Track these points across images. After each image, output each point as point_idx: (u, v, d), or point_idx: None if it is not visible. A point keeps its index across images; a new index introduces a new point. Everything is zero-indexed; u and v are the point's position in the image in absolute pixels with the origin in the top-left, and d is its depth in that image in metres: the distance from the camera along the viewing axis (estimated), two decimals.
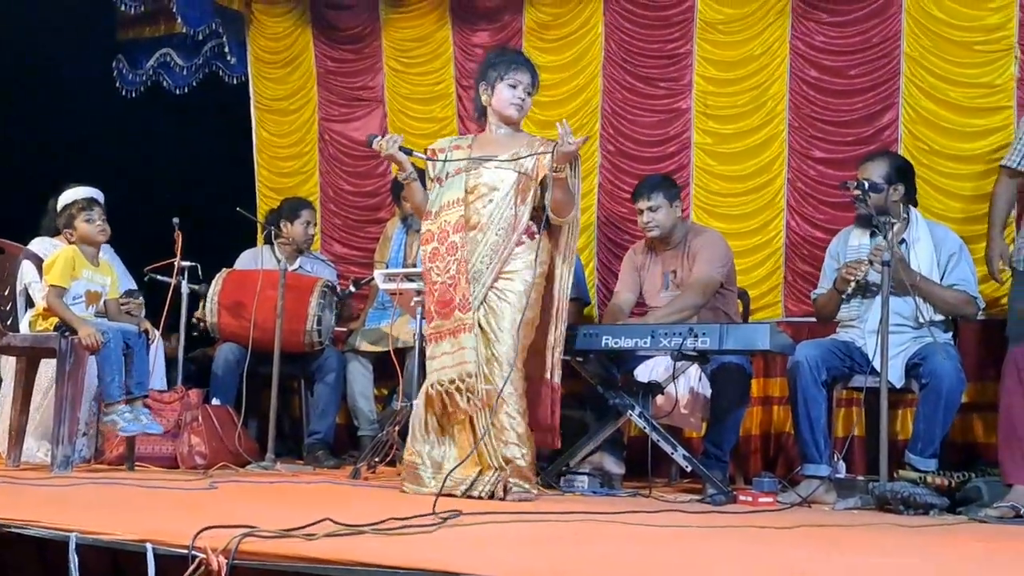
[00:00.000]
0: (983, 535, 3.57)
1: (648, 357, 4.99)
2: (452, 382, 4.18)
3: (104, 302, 5.07)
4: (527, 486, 4.16)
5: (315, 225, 6.42)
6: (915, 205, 4.93)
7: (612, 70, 6.35)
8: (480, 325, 4.22)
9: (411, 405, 5.17)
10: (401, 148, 4.38)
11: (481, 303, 4.24)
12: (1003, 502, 3.95)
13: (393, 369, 5.43)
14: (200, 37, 7.38)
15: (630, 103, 6.31)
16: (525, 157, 4.36)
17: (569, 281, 4.48)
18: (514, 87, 4.42)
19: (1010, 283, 4.84)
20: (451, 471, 4.12)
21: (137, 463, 5.13)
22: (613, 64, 6.35)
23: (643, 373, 5.00)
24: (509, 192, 4.32)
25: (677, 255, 5.28)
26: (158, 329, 5.39)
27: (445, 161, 4.43)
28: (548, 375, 4.43)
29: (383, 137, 4.47)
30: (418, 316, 5.13)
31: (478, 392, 4.15)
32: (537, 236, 4.34)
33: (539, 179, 4.33)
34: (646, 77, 6.28)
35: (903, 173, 4.86)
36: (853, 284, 4.73)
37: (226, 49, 7.45)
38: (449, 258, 4.28)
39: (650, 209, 5.23)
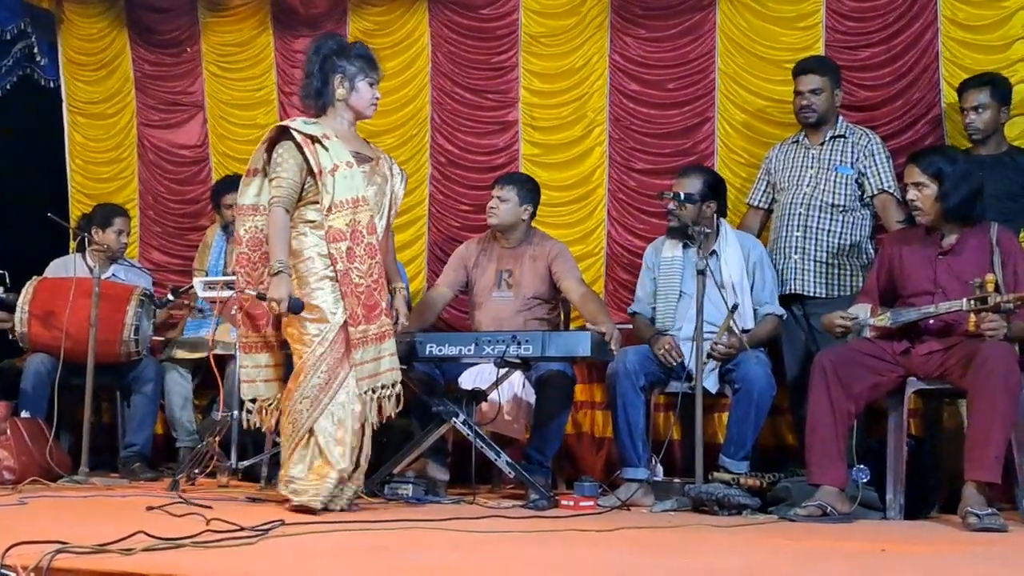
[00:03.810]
0: (792, 534, 3.72)
1: (473, 364, 5.03)
2: (384, 388, 4.11)
3: None
4: None
5: (128, 233, 6.23)
6: (724, 216, 5.10)
7: (441, 81, 6.38)
8: None
9: (232, 415, 5.09)
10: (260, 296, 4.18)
11: None
12: (810, 501, 4.12)
13: (213, 379, 5.31)
14: (8, 37, 7.08)
15: (460, 114, 6.34)
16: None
17: None
18: (372, 86, 4.29)
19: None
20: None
21: None
22: (441, 75, 6.37)
23: (468, 380, 5.04)
24: (387, 199, 4.30)
25: (516, 256, 5.33)
26: None
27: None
28: None
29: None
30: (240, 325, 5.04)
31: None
32: None
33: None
34: (474, 89, 6.32)
35: (715, 190, 5.01)
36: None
37: (35, 50, 7.17)
38: (370, 261, 4.10)
39: (499, 198, 5.27)
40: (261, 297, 4.12)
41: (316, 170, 4.11)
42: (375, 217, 4.17)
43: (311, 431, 4.00)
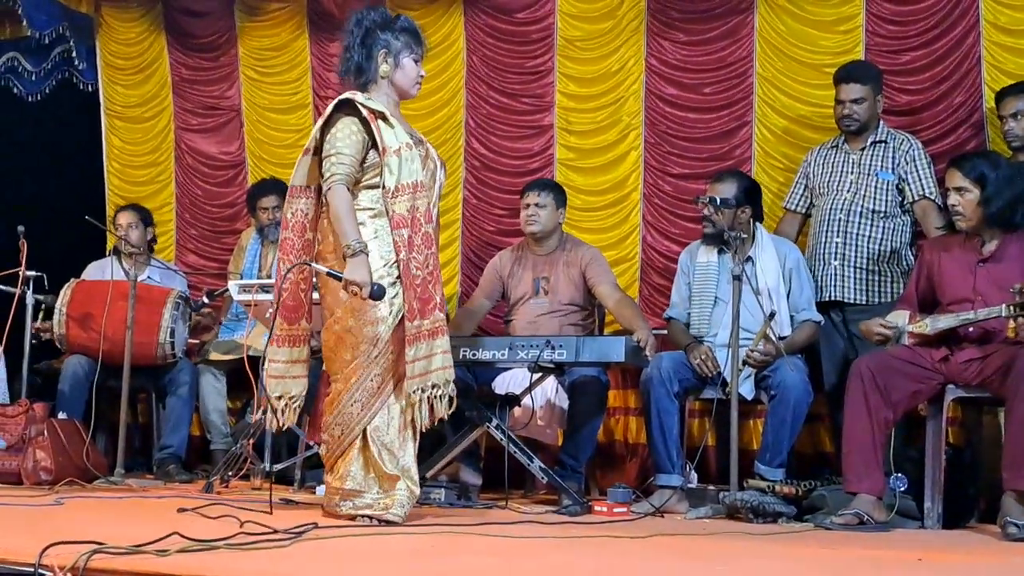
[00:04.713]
0: (828, 542, 3.68)
1: (506, 369, 5.02)
2: (435, 387, 3.80)
3: None
4: None
5: (137, 225, 6.14)
6: (760, 221, 5.06)
7: (476, 85, 6.37)
8: None
9: (265, 418, 5.08)
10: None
11: None
12: (847, 510, 4.08)
13: (247, 382, 5.31)
14: (47, 41, 7.14)
15: (494, 118, 6.32)
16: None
17: None
18: (418, 63, 4.00)
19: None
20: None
21: None
22: (476, 79, 6.37)
23: (501, 384, 5.03)
24: (437, 187, 4.07)
25: (550, 262, 5.34)
26: (0, 341, 5.20)
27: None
28: None
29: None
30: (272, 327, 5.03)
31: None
32: None
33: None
34: (510, 92, 6.31)
35: (751, 195, 4.98)
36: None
37: (74, 54, 7.22)
38: (427, 251, 3.81)
39: (537, 205, 5.29)
40: (335, 277, 3.74)
41: (381, 148, 3.82)
42: (431, 205, 3.94)
43: (361, 436, 3.81)
